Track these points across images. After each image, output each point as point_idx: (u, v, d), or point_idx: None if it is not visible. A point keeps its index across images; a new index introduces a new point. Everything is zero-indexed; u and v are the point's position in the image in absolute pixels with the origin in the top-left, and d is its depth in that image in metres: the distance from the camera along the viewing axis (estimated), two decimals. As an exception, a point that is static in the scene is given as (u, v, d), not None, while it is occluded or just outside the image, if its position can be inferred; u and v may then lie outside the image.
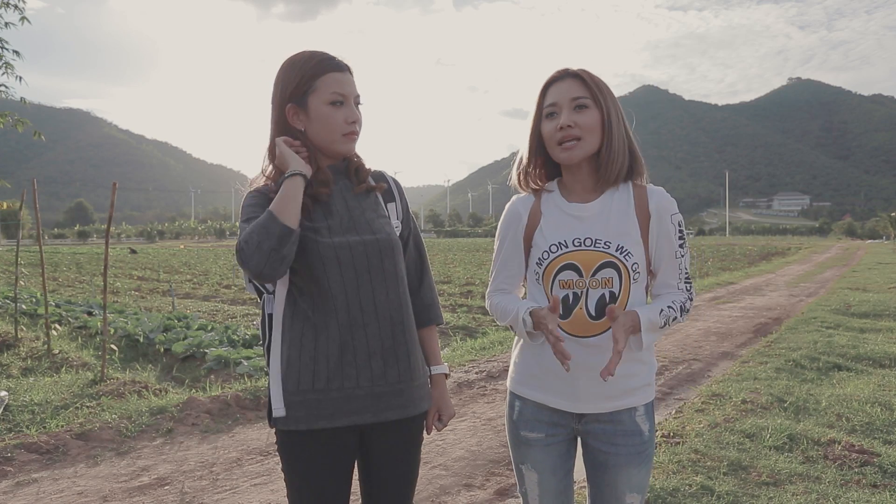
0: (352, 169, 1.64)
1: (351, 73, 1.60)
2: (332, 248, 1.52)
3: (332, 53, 1.59)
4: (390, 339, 1.56)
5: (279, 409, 1.51)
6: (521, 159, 1.68)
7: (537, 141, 1.63)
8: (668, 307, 1.55)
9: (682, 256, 1.60)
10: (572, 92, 1.55)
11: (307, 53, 1.58)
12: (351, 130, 1.58)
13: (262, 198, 1.56)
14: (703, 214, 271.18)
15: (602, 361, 1.54)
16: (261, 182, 1.63)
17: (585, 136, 1.55)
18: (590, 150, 1.57)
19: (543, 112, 1.60)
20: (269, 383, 1.57)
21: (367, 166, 1.68)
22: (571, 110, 1.55)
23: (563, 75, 1.59)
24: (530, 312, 1.54)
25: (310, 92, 1.55)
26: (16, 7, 6.99)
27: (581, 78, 1.57)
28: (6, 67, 7.04)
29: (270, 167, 1.61)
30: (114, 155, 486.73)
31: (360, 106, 1.62)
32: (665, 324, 1.54)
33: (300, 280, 1.54)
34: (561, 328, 1.56)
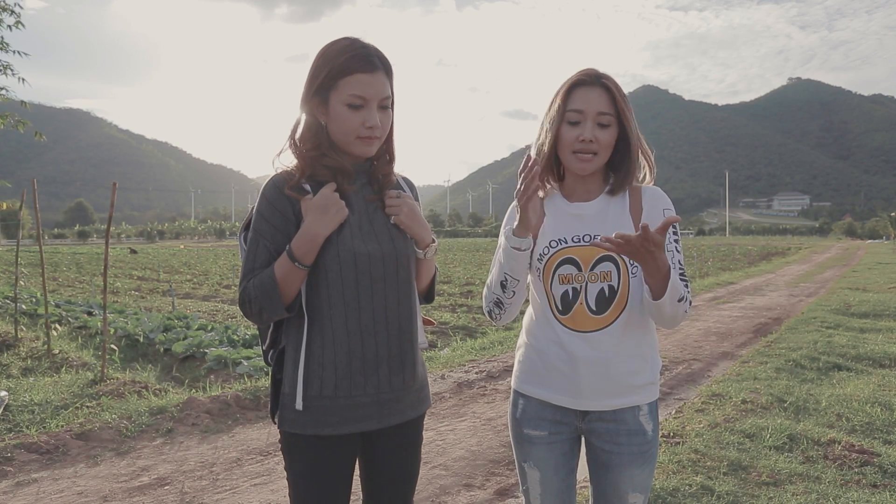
0: (375, 175, 1.61)
1: (386, 72, 1.52)
2: (352, 254, 1.50)
3: (369, 46, 1.50)
4: (397, 348, 1.56)
5: (299, 405, 1.50)
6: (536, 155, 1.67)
7: (554, 142, 1.60)
8: (681, 281, 1.51)
9: (679, 252, 1.58)
10: (600, 105, 1.53)
11: (343, 44, 1.50)
12: (367, 135, 1.51)
13: (279, 204, 1.51)
14: (703, 214, 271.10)
15: (604, 356, 1.56)
16: (286, 162, 1.56)
17: (602, 152, 1.56)
18: (601, 165, 1.60)
19: (566, 116, 1.56)
20: (283, 381, 1.55)
21: (394, 178, 1.64)
22: (595, 125, 1.54)
23: (593, 81, 1.55)
24: (512, 230, 1.56)
25: (332, 89, 1.49)
26: (12, 12, 7.02)
27: (611, 92, 1.54)
28: (4, 69, 7.05)
29: (291, 155, 1.56)
30: (114, 155, 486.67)
31: (387, 109, 1.54)
32: (682, 298, 1.48)
33: (313, 278, 1.51)
34: (562, 324, 1.59)
